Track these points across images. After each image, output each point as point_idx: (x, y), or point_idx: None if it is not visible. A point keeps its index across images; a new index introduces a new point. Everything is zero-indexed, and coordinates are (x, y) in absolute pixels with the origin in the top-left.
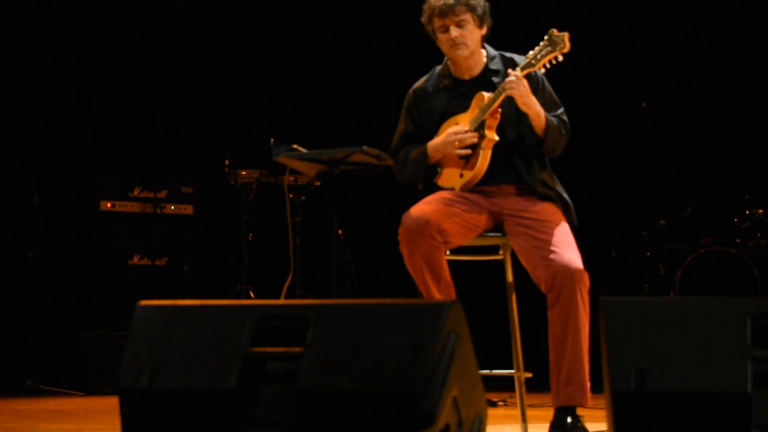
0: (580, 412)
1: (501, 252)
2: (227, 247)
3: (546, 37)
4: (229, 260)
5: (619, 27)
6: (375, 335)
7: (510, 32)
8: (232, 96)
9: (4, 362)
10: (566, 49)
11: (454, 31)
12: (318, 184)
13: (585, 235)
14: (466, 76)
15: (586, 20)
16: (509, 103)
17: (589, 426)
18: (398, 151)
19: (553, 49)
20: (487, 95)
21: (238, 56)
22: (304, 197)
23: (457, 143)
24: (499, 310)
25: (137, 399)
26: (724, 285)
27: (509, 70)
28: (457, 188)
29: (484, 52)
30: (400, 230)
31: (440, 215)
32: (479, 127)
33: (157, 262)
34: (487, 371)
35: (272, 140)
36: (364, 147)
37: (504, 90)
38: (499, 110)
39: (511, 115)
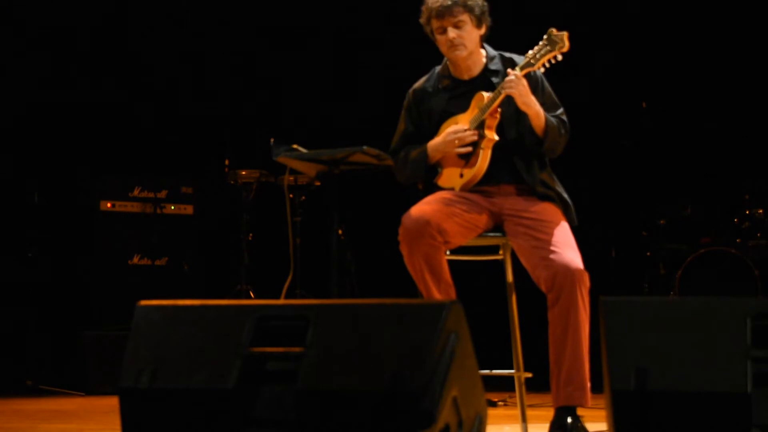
0: (580, 412)
1: (501, 252)
2: (227, 247)
3: (545, 37)
4: (229, 260)
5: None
6: (375, 335)
7: (510, 32)
8: (232, 96)
9: (4, 362)
10: (565, 49)
11: (452, 33)
12: (318, 184)
13: (585, 235)
14: (466, 77)
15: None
16: (509, 102)
17: (589, 426)
18: (398, 151)
19: (552, 48)
20: (486, 95)
21: (238, 56)
22: (304, 197)
23: (457, 142)
24: (499, 310)
25: (137, 399)
26: (724, 285)
27: (509, 70)
28: (457, 188)
29: (483, 52)
30: (400, 230)
31: (440, 215)
32: (479, 127)
33: (157, 262)
34: (487, 371)
35: (272, 140)
36: (364, 147)
37: (503, 90)
38: (499, 110)
39: (511, 115)
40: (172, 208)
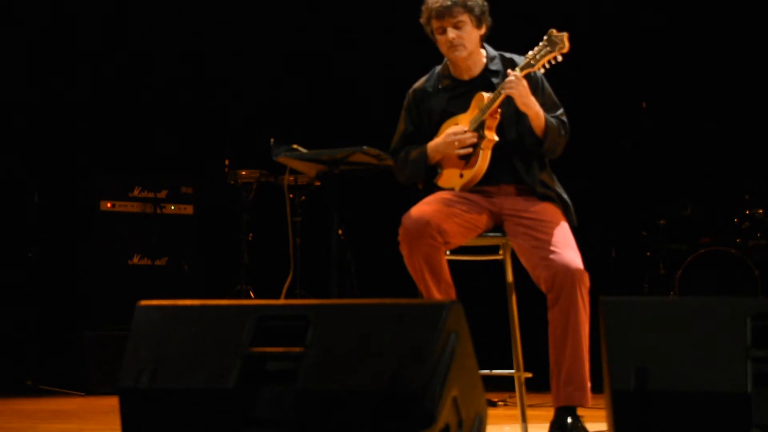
0: (580, 412)
1: (501, 252)
2: (227, 247)
3: (545, 38)
4: (229, 260)
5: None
6: (375, 335)
7: (510, 32)
8: (232, 96)
9: (4, 362)
10: (565, 50)
11: (452, 33)
12: (318, 184)
13: (585, 235)
14: (466, 77)
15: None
16: (509, 103)
17: (589, 426)
18: (398, 151)
19: (552, 49)
20: (486, 95)
21: (238, 56)
22: (304, 197)
23: (456, 143)
24: (499, 310)
25: (137, 399)
26: (724, 285)
27: (508, 71)
28: (457, 188)
29: (483, 52)
30: (400, 231)
31: (440, 215)
32: (479, 128)
33: (157, 262)
34: (487, 371)
35: (272, 140)
36: (364, 147)
37: (503, 90)
38: (499, 110)
39: (511, 116)
40: (172, 208)
